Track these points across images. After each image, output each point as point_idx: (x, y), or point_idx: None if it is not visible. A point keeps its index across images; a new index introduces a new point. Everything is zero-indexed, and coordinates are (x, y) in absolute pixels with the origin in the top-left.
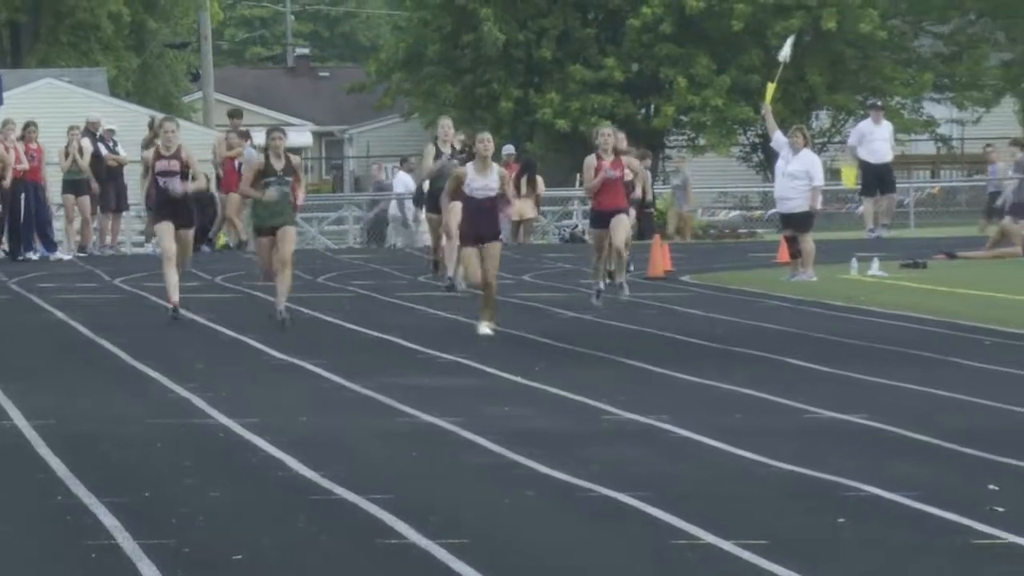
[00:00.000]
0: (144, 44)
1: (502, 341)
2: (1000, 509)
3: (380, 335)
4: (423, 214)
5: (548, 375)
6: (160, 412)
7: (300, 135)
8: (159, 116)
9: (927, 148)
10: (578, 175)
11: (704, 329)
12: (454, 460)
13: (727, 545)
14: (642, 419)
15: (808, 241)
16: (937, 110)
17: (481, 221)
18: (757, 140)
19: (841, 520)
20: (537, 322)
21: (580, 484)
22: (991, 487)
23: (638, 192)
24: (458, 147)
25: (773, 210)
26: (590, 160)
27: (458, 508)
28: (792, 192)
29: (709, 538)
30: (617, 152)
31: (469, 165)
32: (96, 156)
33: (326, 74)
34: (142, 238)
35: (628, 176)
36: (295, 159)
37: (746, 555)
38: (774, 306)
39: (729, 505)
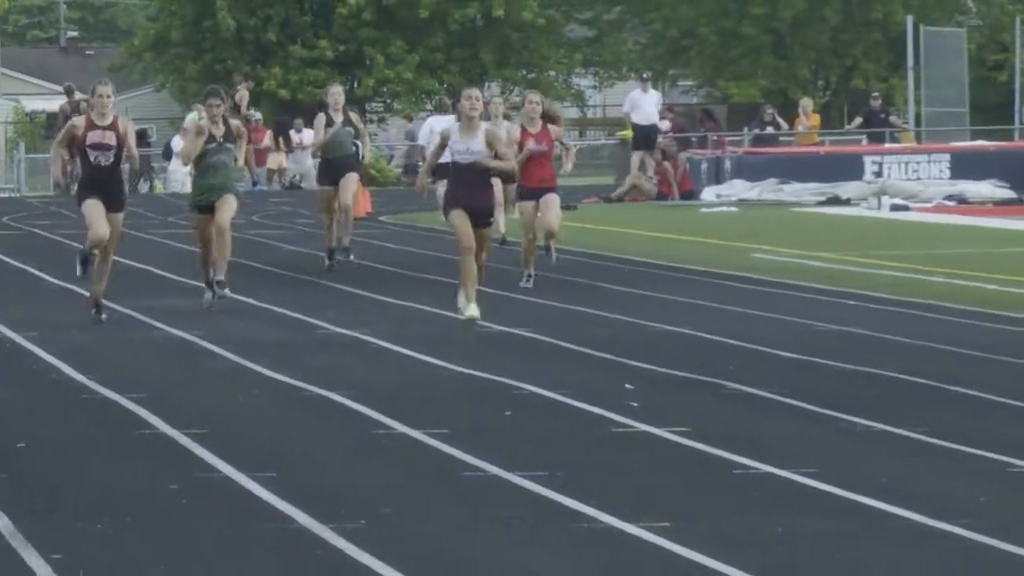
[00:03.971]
0: None
1: (236, 269)
2: (634, 404)
3: (140, 265)
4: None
5: (273, 297)
6: None
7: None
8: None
9: (575, 113)
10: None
11: (399, 259)
12: (198, 365)
13: (416, 433)
14: (349, 332)
15: None
16: (584, 81)
17: (469, 191)
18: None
19: (508, 413)
20: (265, 254)
21: (299, 385)
22: (627, 386)
23: (568, 167)
24: (498, 113)
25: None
26: (513, 133)
27: (200, 404)
28: None
29: (402, 428)
30: (546, 122)
31: (454, 125)
32: None
33: (92, 52)
34: None
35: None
36: (235, 123)
37: (432, 441)
38: (451, 240)
39: (418, 401)
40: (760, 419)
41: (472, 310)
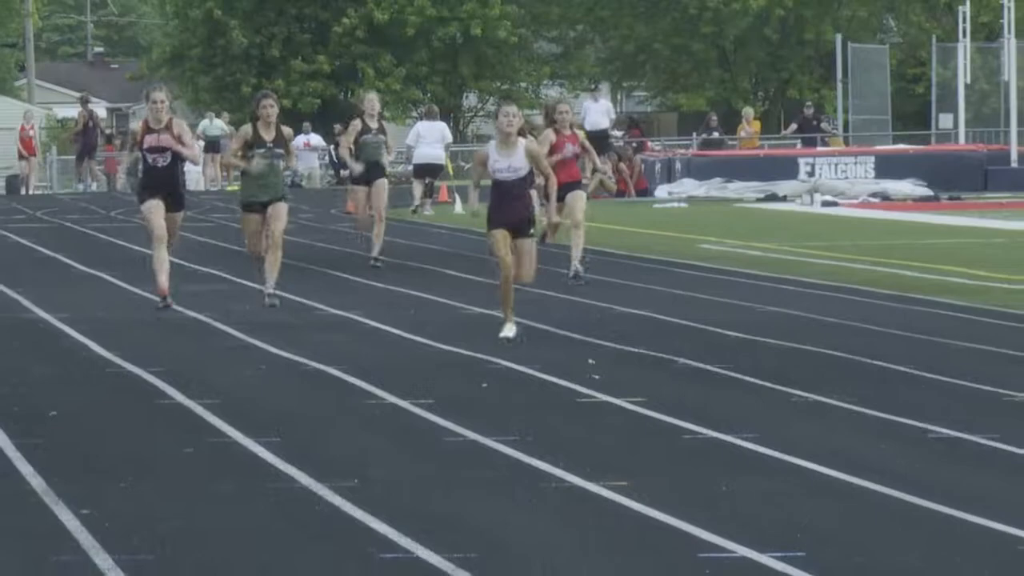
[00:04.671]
0: None
1: (243, 260)
2: (596, 377)
3: None
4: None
5: (279, 284)
6: None
7: (98, 109)
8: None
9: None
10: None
11: (389, 250)
12: (210, 343)
13: (403, 403)
14: (343, 313)
15: (432, 184)
16: (551, 92)
17: (510, 208)
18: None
19: (485, 385)
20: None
21: (300, 360)
22: (590, 361)
23: (598, 165)
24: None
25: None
26: (548, 135)
27: (212, 377)
28: (430, 150)
29: (389, 398)
30: (574, 127)
31: (491, 144)
32: None
33: (116, 66)
34: None
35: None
36: (287, 131)
37: (417, 410)
38: (434, 232)
39: (405, 375)
40: (707, 390)
41: (509, 330)
